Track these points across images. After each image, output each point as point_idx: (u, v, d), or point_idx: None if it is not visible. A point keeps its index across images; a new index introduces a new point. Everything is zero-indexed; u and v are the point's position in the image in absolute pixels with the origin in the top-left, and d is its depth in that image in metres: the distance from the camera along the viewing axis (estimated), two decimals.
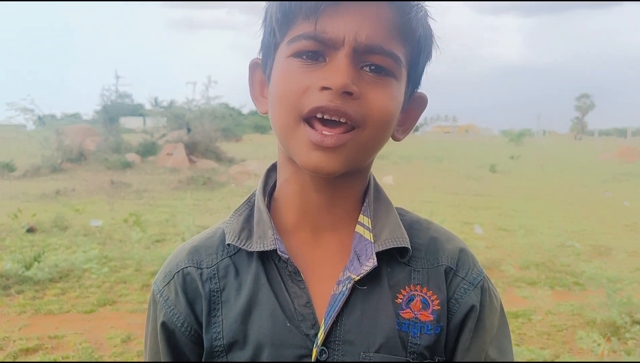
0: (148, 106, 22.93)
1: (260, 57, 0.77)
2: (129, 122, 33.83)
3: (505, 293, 5.28)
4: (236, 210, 0.78)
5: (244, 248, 0.73)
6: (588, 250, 7.17)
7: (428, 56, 0.75)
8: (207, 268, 0.75)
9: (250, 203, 0.79)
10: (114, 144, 16.03)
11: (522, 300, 5.01)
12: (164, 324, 0.76)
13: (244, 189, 12.47)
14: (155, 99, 23.67)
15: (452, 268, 0.75)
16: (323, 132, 0.66)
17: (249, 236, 0.74)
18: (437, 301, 0.73)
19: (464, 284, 0.75)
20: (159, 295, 0.77)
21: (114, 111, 18.85)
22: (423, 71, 0.76)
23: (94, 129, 19.09)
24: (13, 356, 3.67)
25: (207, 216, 9.04)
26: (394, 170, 17.09)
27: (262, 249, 0.72)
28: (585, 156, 26.12)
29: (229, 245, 0.74)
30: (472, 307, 0.74)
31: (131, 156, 15.79)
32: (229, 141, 22.85)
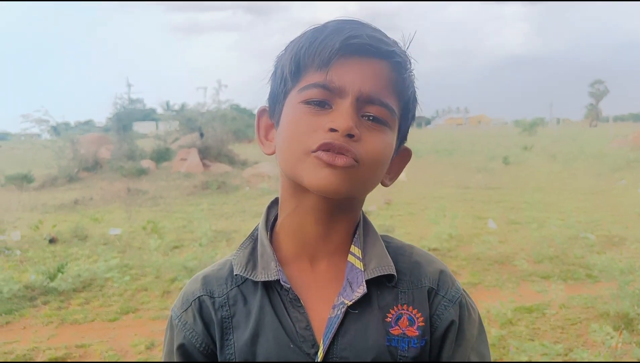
0: (160, 110, 23.19)
1: (268, 105, 0.88)
2: (142, 127, 34.15)
3: (519, 288, 5.34)
4: (241, 244, 0.90)
5: (250, 278, 0.83)
6: (601, 241, 7.18)
7: (413, 117, 0.88)
8: (219, 297, 0.85)
9: (253, 237, 0.89)
10: (128, 151, 16.27)
11: (536, 295, 5.06)
12: (182, 346, 0.85)
13: (257, 192, 12.60)
14: (167, 103, 23.92)
15: (433, 289, 0.86)
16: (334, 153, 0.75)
17: (254, 267, 0.84)
18: (421, 318, 0.83)
19: (444, 302, 0.86)
20: (177, 320, 0.86)
21: (127, 118, 19.09)
22: (408, 128, 0.88)
23: (108, 137, 19.36)
24: None
25: (222, 220, 9.20)
26: None
27: (266, 279, 0.82)
28: (598, 144, 25.83)
29: (236, 275, 0.85)
30: (452, 322, 0.85)
31: (146, 163, 16.01)
32: (240, 142, 23.02)
